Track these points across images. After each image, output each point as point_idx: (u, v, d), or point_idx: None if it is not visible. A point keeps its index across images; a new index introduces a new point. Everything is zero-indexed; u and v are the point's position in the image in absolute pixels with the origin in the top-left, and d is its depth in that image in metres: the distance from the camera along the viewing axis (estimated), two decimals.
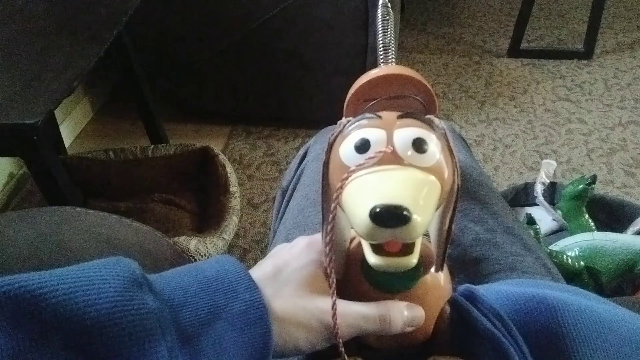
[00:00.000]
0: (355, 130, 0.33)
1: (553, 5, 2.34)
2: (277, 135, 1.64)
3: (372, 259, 0.31)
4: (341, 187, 0.31)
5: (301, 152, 0.76)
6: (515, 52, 1.98)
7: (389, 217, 0.28)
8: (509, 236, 0.58)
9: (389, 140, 0.32)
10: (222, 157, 1.29)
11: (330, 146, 0.35)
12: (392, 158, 0.31)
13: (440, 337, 0.40)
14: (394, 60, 0.40)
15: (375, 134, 0.32)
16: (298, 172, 0.72)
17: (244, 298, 0.34)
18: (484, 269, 0.54)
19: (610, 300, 0.61)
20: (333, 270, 0.34)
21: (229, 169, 1.27)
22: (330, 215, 0.33)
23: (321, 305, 0.36)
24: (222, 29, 1.44)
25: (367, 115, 0.34)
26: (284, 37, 1.43)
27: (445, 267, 0.40)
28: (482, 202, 0.61)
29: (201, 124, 1.67)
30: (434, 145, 0.32)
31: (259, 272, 0.38)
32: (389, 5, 0.41)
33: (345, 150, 0.33)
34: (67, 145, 1.54)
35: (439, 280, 0.39)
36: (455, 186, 0.33)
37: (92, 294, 0.29)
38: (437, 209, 0.33)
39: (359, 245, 0.40)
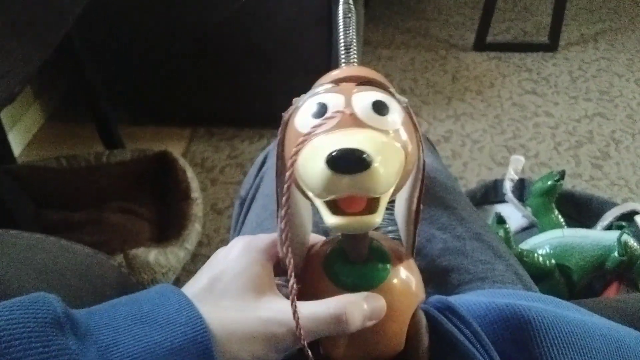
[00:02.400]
0: (311, 98, 0.31)
1: None
2: (241, 135, 1.59)
3: (330, 219, 0.28)
4: (297, 153, 0.28)
5: (260, 158, 0.72)
6: (481, 45, 1.97)
7: (347, 161, 0.25)
8: (479, 243, 0.56)
9: (348, 103, 0.30)
10: (182, 161, 1.24)
11: (285, 124, 0.32)
12: (351, 121, 0.29)
13: (414, 349, 0.36)
14: (356, 59, 0.38)
15: (332, 99, 0.30)
16: (257, 180, 0.68)
17: (185, 331, 0.30)
18: (454, 279, 0.52)
19: (582, 302, 0.59)
20: (292, 259, 0.31)
21: (190, 173, 1.22)
22: (285, 185, 0.29)
23: (264, 313, 0.32)
24: (179, 28, 1.38)
25: (324, 85, 0.32)
26: (244, 35, 1.39)
27: (419, 274, 0.38)
28: (450, 207, 0.59)
29: (159, 126, 1.60)
30: (395, 111, 0.30)
31: (194, 286, 0.35)
32: (351, 2, 0.39)
33: (301, 118, 0.31)
34: (17, 153, 1.47)
35: (409, 285, 0.36)
36: (421, 163, 0.32)
37: (2, 341, 0.25)
38: (402, 182, 0.31)
39: (323, 244, 0.38)
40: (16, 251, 0.45)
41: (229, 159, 1.51)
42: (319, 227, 0.53)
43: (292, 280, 0.30)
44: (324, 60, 1.40)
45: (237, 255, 0.36)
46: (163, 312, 0.30)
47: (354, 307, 0.32)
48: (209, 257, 1.20)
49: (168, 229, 1.17)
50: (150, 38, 1.41)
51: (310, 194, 0.28)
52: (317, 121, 0.29)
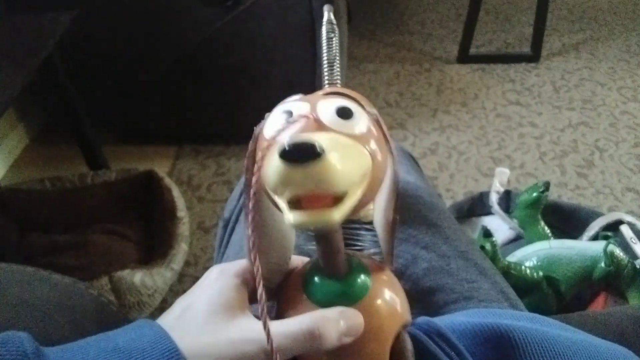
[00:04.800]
0: (278, 107, 0.32)
1: (499, 10, 2.37)
2: (227, 153, 1.58)
3: (288, 216, 0.27)
4: (262, 158, 0.28)
5: (243, 178, 0.72)
6: (464, 57, 1.99)
7: (298, 151, 0.26)
8: (463, 261, 0.56)
9: (312, 110, 0.30)
10: (167, 180, 1.23)
11: (256, 138, 0.32)
12: (315, 125, 0.29)
13: None
14: (339, 79, 0.39)
15: (298, 106, 0.31)
16: (240, 201, 0.68)
17: None
18: (439, 299, 0.52)
19: (569, 317, 0.59)
20: (259, 267, 0.30)
21: (176, 192, 1.21)
22: (252, 190, 0.29)
23: (234, 334, 0.31)
24: (162, 46, 1.38)
25: (293, 96, 0.33)
26: (228, 52, 1.38)
27: (403, 294, 0.37)
28: (434, 226, 0.58)
29: (144, 145, 1.59)
30: (360, 117, 0.30)
31: (166, 316, 0.34)
32: (334, 22, 0.39)
33: (269, 127, 0.31)
34: (0, 176, 1.45)
35: (391, 304, 0.35)
36: (395, 175, 0.32)
37: None
38: (372, 190, 0.30)
39: (305, 264, 0.38)
40: None
41: (216, 177, 1.51)
42: (302, 249, 0.53)
43: (260, 289, 0.29)
44: (309, 76, 1.40)
45: (210, 282, 0.36)
46: (138, 346, 0.30)
47: (328, 322, 0.31)
48: (196, 277, 1.18)
49: (154, 249, 1.16)
50: (134, 56, 1.41)
51: (274, 197, 0.28)
52: (281, 125, 0.30)
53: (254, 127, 0.33)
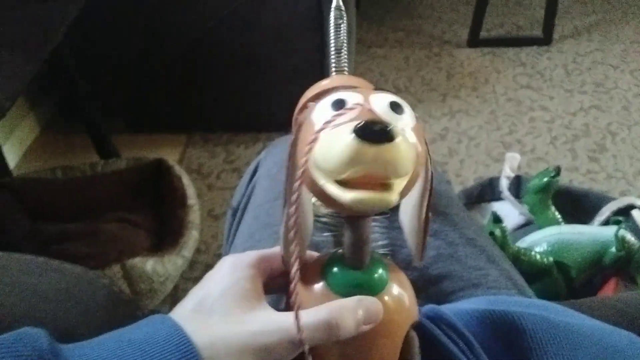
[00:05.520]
0: (329, 96, 0.31)
1: None
2: (237, 140, 1.58)
3: (347, 195, 0.27)
4: (315, 140, 0.28)
5: (252, 166, 0.72)
6: (474, 41, 1.97)
7: (375, 129, 0.26)
8: (472, 248, 0.55)
9: (366, 100, 0.30)
10: (177, 168, 1.23)
11: (299, 125, 0.32)
12: (370, 115, 0.29)
13: None
14: (346, 66, 0.38)
15: (351, 95, 0.31)
16: (249, 189, 0.68)
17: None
18: (446, 287, 0.52)
19: (579, 302, 0.59)
20: (297, 259, 0.30)
21: (186, 180, 1.22)
22: (299, 172, 0.29)
23: (253, 327, 0.31)
24: (171, 34, 1.38)
25: (341, 90, 0.33)
26: (236, 40, 1.38)
27: (412, 292, 0.37)
28: (442, 213, 0.58)
29: (154, 133, 1.60)
30: (409, 112, 0.31)
31: (179, 309, 0.34)
32: (343, 8, 0.39)
33: (319, 113, 0.31)
34: (12, 165, 1.46)
35: (404, 300, 0.35)
36: (429, 173, 0.33)
37: None
38: (410, 183, 0.30)
39: (322, 254, 0.38)
40: (4, 275, 0.45)
41: (225, 164, 1.51)
42: (311, 240, 0.53)
43: (295, 279, 0.30)
44: (317, 64, 1.40)
45: (224, 273, 0.35)
46: (152, 341, 0.30)
47: (346, 312, 0.31)
48: (207, 264, 1.19)
49: (165, 237, 1.17)
50: (143, 45, 1.41)
51: (323, 182, 0.29)
52: (338, 112, 0.29)
53: (296, 115, 0.33)
